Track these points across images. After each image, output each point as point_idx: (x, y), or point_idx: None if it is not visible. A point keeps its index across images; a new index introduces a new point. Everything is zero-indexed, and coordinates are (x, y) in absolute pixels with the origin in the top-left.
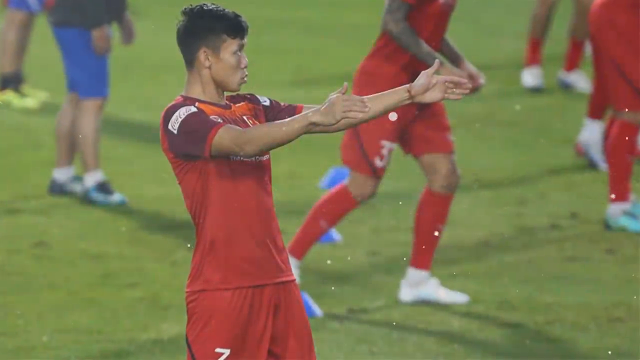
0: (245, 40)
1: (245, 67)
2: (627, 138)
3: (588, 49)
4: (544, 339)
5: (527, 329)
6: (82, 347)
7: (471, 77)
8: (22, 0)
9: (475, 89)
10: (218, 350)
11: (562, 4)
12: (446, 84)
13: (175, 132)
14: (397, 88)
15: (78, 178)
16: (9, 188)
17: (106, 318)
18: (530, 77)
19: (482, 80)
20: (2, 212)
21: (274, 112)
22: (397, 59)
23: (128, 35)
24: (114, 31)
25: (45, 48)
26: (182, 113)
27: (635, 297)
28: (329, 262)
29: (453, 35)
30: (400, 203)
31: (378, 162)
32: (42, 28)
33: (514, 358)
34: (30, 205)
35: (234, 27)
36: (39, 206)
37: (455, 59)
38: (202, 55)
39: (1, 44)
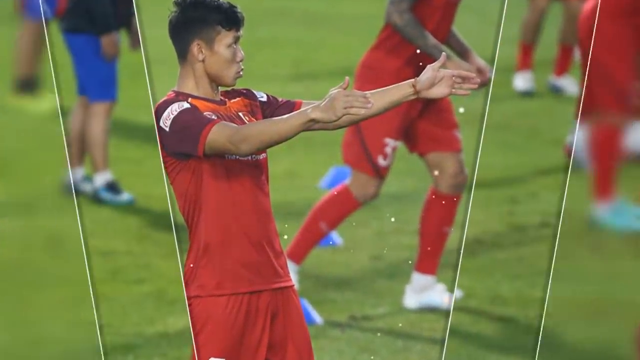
0: (241, 32)
1: (241, 60)
2: (612, 140)
3: (577, 54)
4: (534, 332)
5: (518, 323)
6: (92, 340)
7: (480, 71)
8: (35, 8)
9: (483, 84)
10: None
11: (552, 11)
12: (453, 78)
13: (167, 129)
14: (401, 83)
15: (88, 178)
16: (23, 187)
17: (115, 312)
18: (521, 81)
19: (491, 74)
20: (16, 210)
21: (271, 108)
22: (401, 52)
23: (136, 41)
24: (122, 36)
25: (57, 53)
26: (174, 110)
27: (620, 291)
28: (329, 266)
29: (460, 27)
30: (405, 204)
31: (381, 161)
32: (55, 34)
33: (506, 350)
34: (43, 204)
35: (229, 18)
36: (51, 205)
37: (462, 52)
38: (196, 48)
39: (16, 50)
